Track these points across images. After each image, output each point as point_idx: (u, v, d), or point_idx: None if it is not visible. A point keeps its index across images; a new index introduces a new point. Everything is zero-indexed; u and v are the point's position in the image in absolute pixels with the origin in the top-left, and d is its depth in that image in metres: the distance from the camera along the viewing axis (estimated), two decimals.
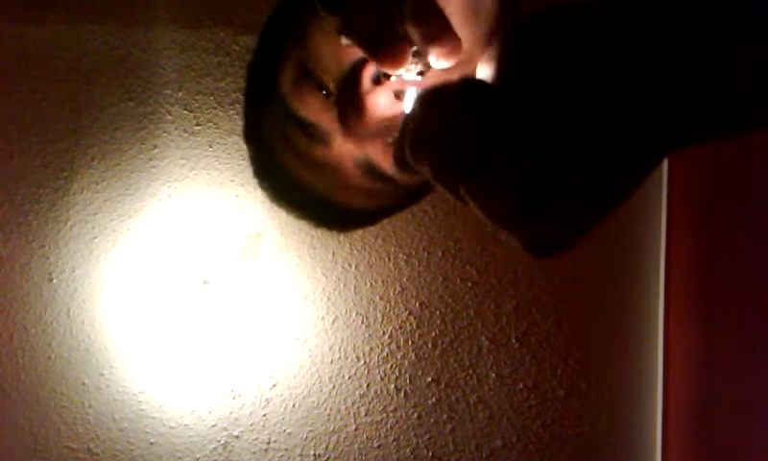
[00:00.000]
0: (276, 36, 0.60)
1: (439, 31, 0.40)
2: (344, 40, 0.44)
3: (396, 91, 0.54)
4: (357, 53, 0.49)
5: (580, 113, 0.34)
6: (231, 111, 1.67)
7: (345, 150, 0.57)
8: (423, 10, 0.40)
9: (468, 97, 0.35)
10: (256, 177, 0.64)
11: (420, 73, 0.46)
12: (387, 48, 0.41)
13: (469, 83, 0.36)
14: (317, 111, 0.57)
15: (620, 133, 0.34)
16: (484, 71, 0.38)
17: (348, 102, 0.54)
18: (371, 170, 0.58)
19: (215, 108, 1.67)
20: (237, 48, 1.68)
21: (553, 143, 0.34)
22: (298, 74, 0.57)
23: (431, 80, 0.43)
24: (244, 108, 0.64)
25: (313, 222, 0.65)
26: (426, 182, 0.58)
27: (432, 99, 0.37)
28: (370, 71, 0.54)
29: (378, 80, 0.54)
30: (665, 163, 1.63)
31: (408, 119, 0.38)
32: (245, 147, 0.64)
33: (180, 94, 1.67)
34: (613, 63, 0.34)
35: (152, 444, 1.64)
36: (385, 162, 0.58)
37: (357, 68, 0.54)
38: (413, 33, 0.41)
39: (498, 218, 0.35)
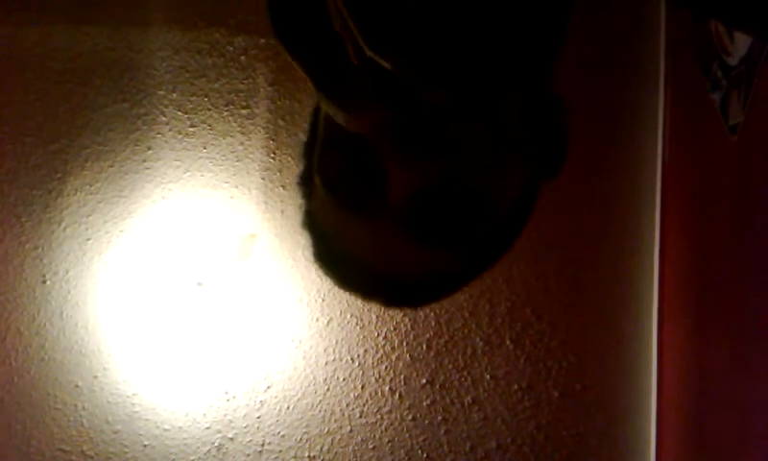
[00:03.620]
0: (313, 124, 0.60)
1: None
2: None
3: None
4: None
5: None
6: (226, 113, 1.67)
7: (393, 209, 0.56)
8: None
9: None
10: (316, 263, 0.65)
11: (416, 115, 0.45)
12: (352, 106, 0.42)
13: None
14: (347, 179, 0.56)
15: None
16: None
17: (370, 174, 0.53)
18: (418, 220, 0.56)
19: (209, 109, 1.67)
20: (231, 49, 1.68)
21: None
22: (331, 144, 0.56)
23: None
24: (299, 200, 0.64)
25: (381, 302, 0.64)
26: (490, 253, 0.58)
27: None
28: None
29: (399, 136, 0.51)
30: (659, 166, 1.64)
31: None
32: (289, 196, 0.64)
33: (175, 95, 1.67)
34: None
35: (145, 446, 1.64)
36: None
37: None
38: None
39: None
